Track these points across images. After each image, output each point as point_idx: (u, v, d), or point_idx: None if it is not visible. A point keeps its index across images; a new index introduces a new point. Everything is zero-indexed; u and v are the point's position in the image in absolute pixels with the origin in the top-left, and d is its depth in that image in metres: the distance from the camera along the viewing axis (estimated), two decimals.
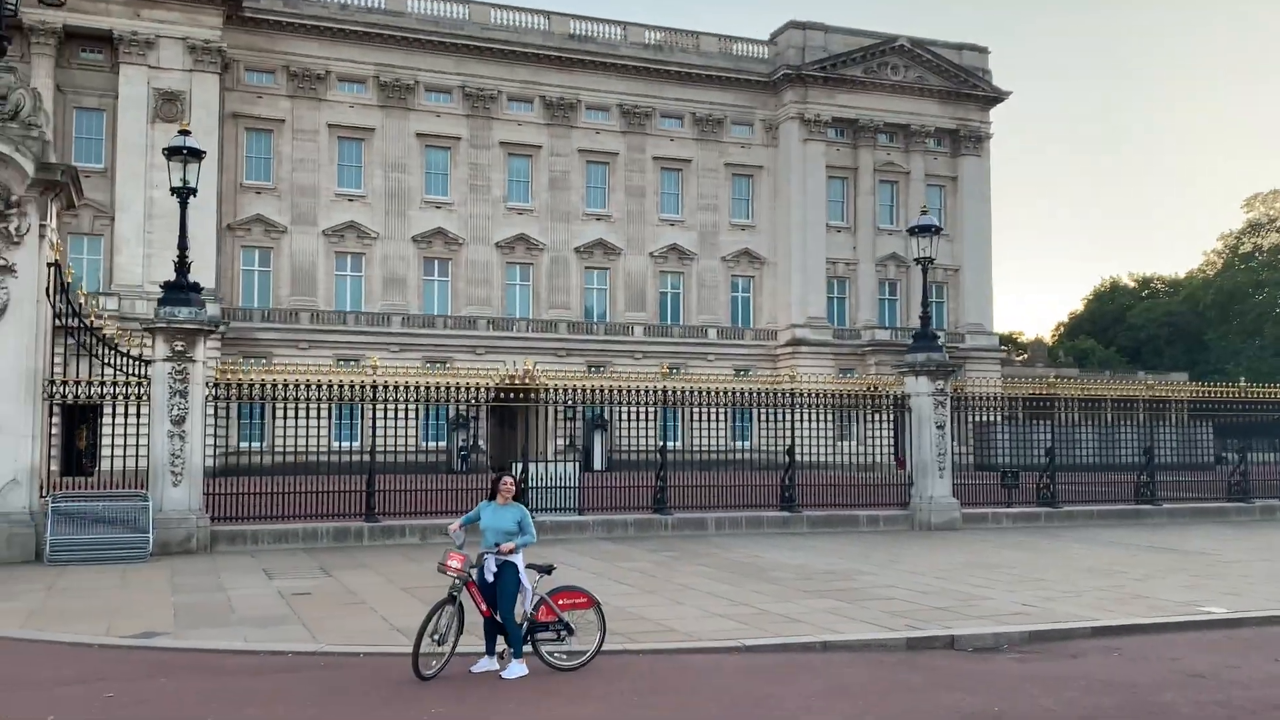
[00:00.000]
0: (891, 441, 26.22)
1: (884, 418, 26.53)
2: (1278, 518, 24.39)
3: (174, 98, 45.91)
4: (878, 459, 24.62)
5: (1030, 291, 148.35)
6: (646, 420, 21.20)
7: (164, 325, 16.79)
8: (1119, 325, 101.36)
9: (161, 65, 46.01)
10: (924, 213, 22.78)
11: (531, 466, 20.35)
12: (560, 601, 9.18)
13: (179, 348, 16.76)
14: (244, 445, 24.80)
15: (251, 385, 18.12)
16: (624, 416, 21.58)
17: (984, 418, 24.34)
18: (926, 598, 13.15)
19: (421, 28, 52.66)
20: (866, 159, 59.35)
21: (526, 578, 9.10)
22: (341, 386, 19.15)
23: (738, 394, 21.94)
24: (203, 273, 47.07)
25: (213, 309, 46.70)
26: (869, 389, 22.81)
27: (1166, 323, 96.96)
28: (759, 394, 22.00)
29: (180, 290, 17.16)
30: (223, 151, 48.02)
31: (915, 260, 22.29)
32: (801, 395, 21.82)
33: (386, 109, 52.11)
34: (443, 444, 41.26)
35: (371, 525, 18.51)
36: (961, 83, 60.74)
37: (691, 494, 21.48)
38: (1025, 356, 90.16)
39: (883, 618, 11.72)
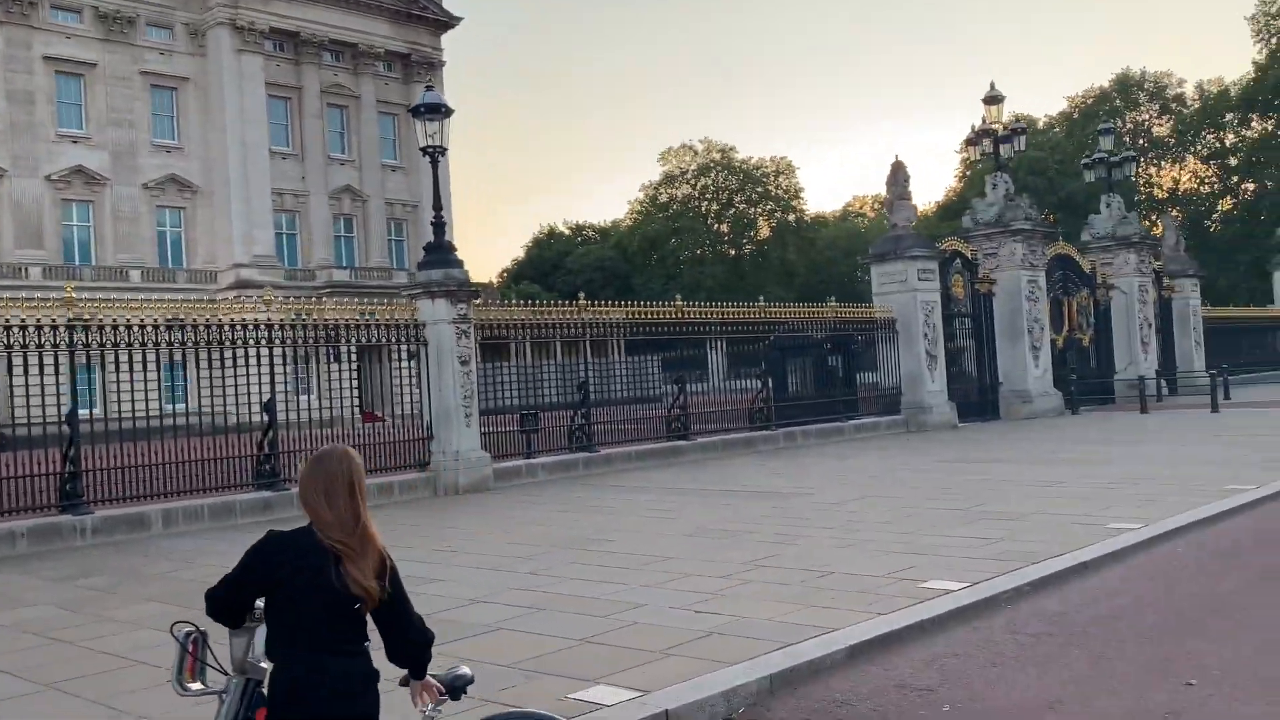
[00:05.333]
0: (356, 390, 22.13)
1: (345, 364, 22.07)
2: (799, 444, 23.18)
3: None
4: (339, 413, 20.10)
5: (474, 233, 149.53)
6: (42, 375, 14.15)
7: None
8: (558, 270, 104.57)
9: None
10: (429, 88, 17.68)
11: None
12: None
13: None
14: None
15: None
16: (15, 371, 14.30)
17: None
18: (530, 620, 8.47)
19: None
20: (312, 78, 52.72)
21: None
22: None
23: (209, 328, 15.49)
24: None
25: None
26: (391, 319, 17.19)
27: (600, 267, 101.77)
28: (280, 327, 15.70)
29: None
30: None
31: (422, 149, 17.04)
32: (314, 328, 16.17)
33: None
34: None
35: None
36: (411, 2, 56.20)
37: (123, 479, 14.70)
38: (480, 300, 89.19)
39: (497, 676, 6.83)
